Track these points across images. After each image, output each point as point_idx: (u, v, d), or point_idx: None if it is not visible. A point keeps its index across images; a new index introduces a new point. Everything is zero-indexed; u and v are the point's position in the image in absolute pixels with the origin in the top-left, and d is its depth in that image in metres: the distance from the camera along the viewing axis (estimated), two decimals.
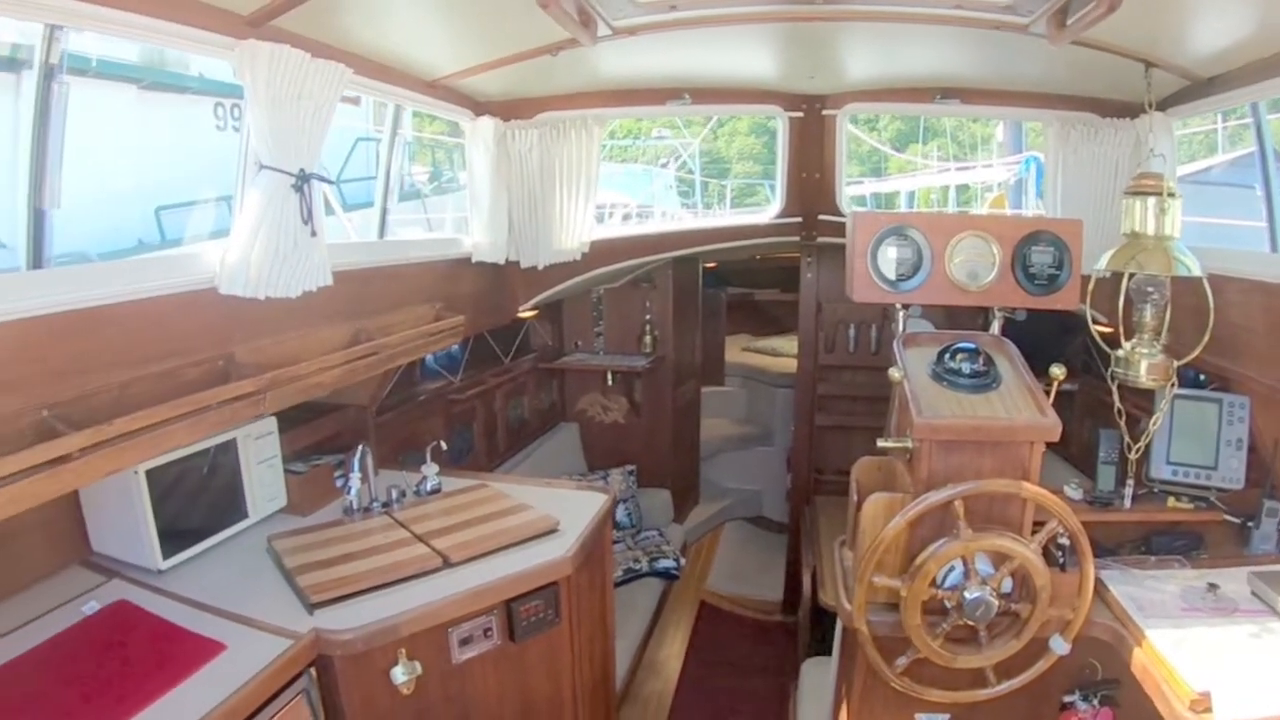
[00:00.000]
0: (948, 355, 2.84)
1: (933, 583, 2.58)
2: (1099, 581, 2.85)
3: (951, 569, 2.62)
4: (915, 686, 2.76)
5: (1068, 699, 2.94)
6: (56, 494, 2.22)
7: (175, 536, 2.86)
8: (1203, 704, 2.27)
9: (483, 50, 3.63)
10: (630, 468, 6.11)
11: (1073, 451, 4.44)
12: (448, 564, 2.87)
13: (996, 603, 2.56)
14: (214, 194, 8.18)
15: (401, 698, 2.68)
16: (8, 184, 6.49)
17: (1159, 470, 3.22)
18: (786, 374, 7.03)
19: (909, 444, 2.69)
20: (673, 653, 5.49)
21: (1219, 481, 3.14)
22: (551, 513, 3.18)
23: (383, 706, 2.67)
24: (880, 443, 2.82)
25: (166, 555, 2.83)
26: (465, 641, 2.79)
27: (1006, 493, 2.54)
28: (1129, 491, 3.18)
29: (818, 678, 4.05)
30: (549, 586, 2.93)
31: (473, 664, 2.84)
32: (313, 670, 2.54)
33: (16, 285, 2.31)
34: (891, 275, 3.08)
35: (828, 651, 3.53)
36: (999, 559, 2.57)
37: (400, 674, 2.63)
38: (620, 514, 5.82)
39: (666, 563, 5.49)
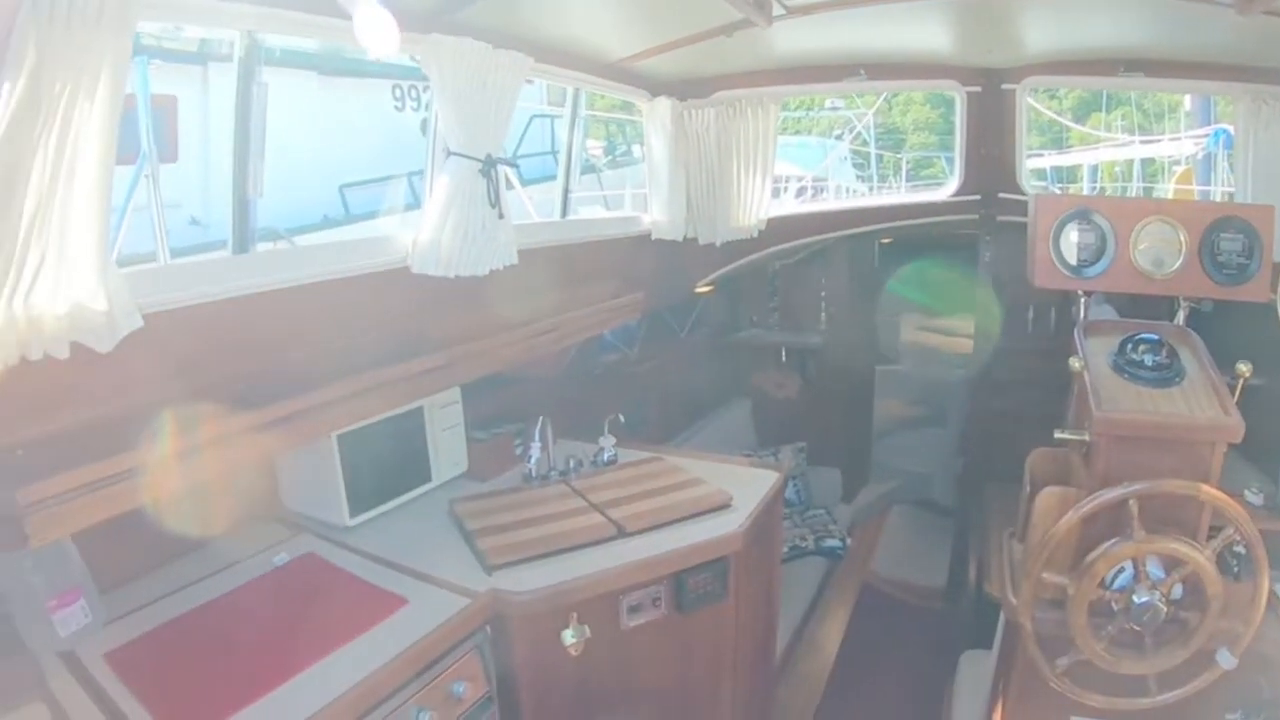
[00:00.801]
0: (1129, 346, 2.75)
1: (1101, 583, 2.52)
2: (1273, 595, 2.71)
3: (1121, 570, 2.55)
4: (1074, 689, 2.69)
5: (1230, 717, 2.78)
6: (258, 458, 2.40)
7: (362, 496, 3.05)
8: None
9: (659, 33, 3.69)
10: (801, 445, 6.10)
11: (1256, 452, 4.25)
12: (622, 533, 2.97)
13: (1165, 609, 2.48)
14: (394, 171, 8.51)
15: (569, 659, 2.79)
16: (199, 167, 6.94)
17: None
18: (962, 355, 6.89)
19: (1086, 437, 2.63)
20: (832, 632, 5.44)
21: None
22: (724, 488, 3.22)
23: (551, 666, 2.79)
24: (1057, 434, 2.77)
25: (354, 513, 3.02)
26: (634, 609, 2.88)
27: (1183, 494, 2.44)
28: None
29: (975, 671, 3.99)
30: (718, 561, 2.98)
31: (639, 631, 2.93)
32: (488, 627, 2.68)
33: (226, 268, 2.48)
34: (1073, 260, 3.02)
35: (987, 644, 3.48)
36: (1171, 563, 2.49)
37: (570, 636, 2.74)
38: (789, 491, 5.82)
39: (833, 542, 5.49)
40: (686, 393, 5.61)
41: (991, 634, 3.39)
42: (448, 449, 3.38)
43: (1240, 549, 2.64)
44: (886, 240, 7.12)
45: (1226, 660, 2.55)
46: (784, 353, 6.20)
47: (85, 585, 2.36)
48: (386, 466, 3.15)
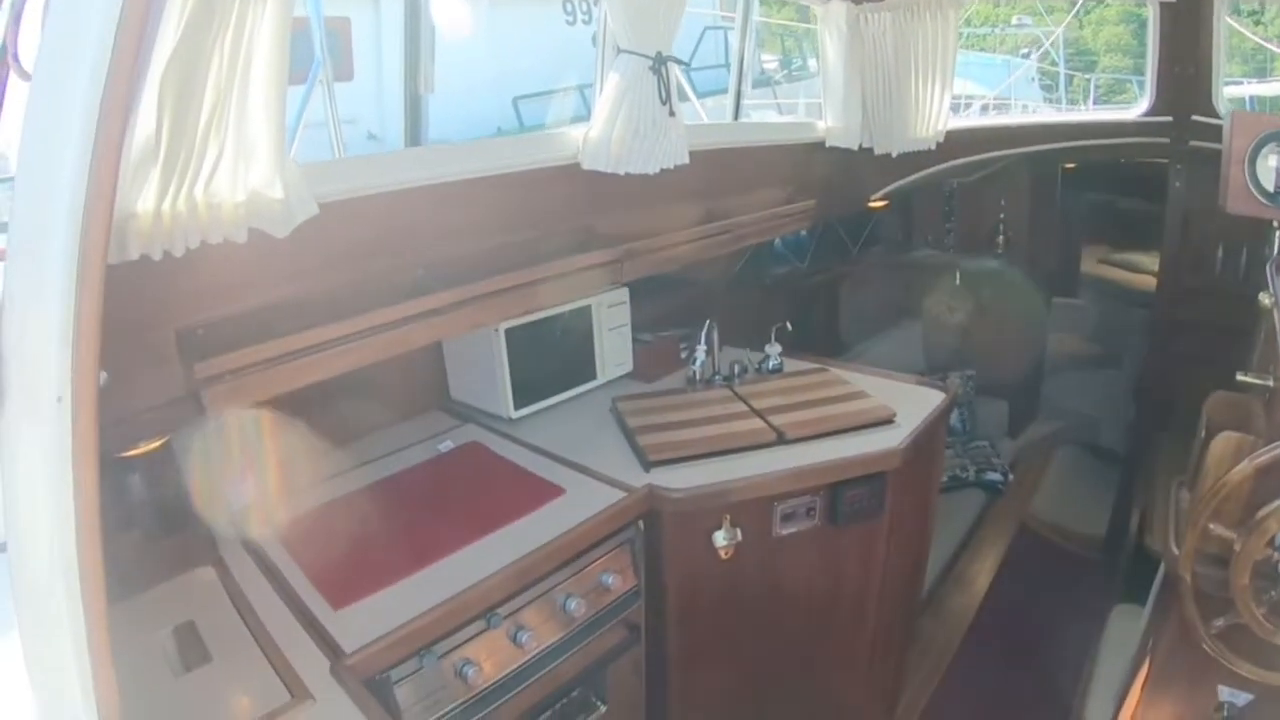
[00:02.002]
0: None
1: (1271, 543, 2.37)
2: None
3: None
4: (1227, 653, 2.57)
5: None
6: (428, 341, 2.46)
7: (527, 390, 3.11)
8: None
9: None
10: (969, 373, 5.93)
11: None
12: (781, 440, 2.93)
13: None
14: (566, 84, 8.57)
15: (718, 560, 2.80)
16: (373, 84, 7.09)
17: None
18: (1145, 292, 6.51)
19: (1271, 382, 2.48)
20: (983, 570, 5.34)
21: None
22: (888, 404, 3.16)
23: (700, 565, 2.81)
24: (1239, 376, 2.61)
25: (518, 405, 3.08)
26: (787, 517, 2.86)
27: None
28: None
29: (1126, 626, 3.87)
30: (876, 476, 2.93)
31: (790, 540, 2.91)
32: (641, 522, 2.71)
33: (398, 162, 2.52)
34: (1270, 187, 2.82)
35: (1142, 600, 3.36)
36: None
37: (721, 538, 2.74)
38: (954, 419, 5.69)
39: (994, 475, 5.35)
40: (856, 310, 5.50)
41: (1148, 590, 3.28)
42: (613, 349, 3.40)
43: None
44: (1070, 166, 6.82)
45: None
46: (958, 275, 6.00)
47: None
48: (552, 362, 3.19)
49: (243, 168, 1.95)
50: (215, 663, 1.95)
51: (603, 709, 2.82)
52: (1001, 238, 5.94)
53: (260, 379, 2.12)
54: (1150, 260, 6.26)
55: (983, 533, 5.56)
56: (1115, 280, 7.37)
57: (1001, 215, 5.97)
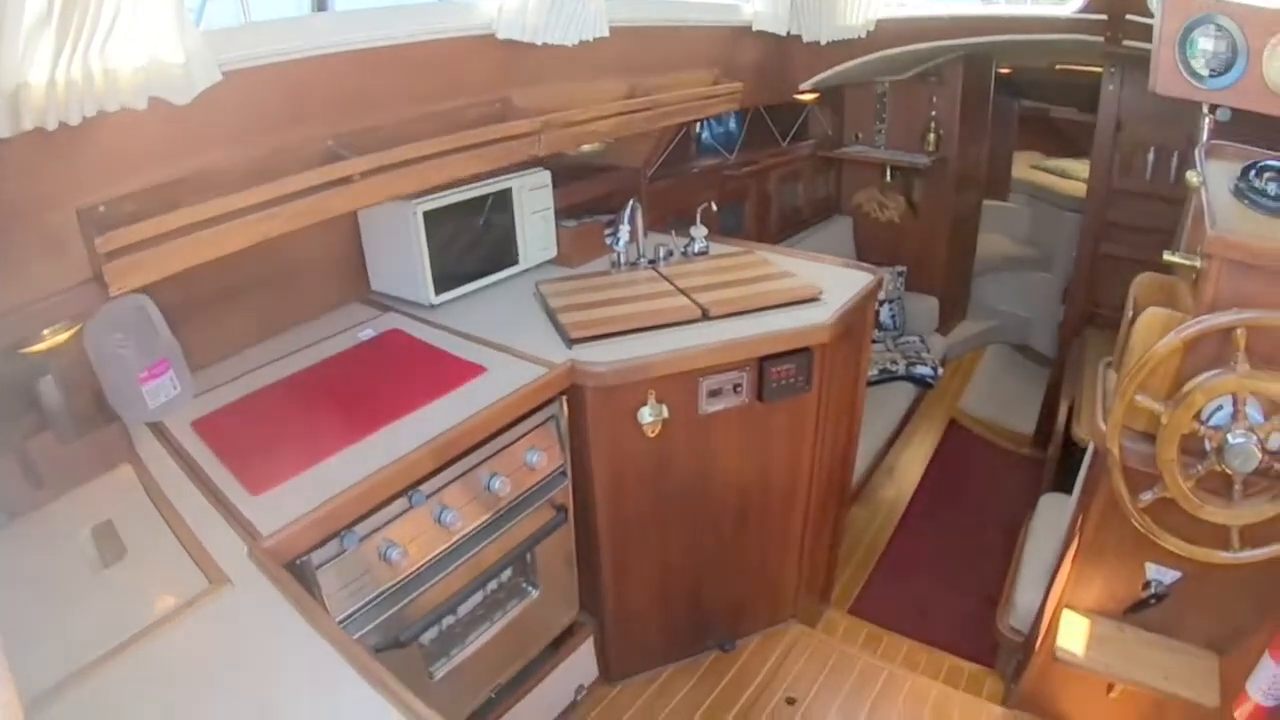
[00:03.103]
0: (1253, 172, 2.49)
1: (1197, 416, 2.38)
2: None
3: (1219, 408, 2.40)
4: (1155, 528, 2.59)
5: None
6: (341, 210, 2.36)
7: (447, 276, 3.03)
8: None
9: None
10: (900, 269, 5.93)
11: None
12: (706, 316, 2.88)
13: (1260, 455, 2.32)
14: None
15: (645, 439, 2.77)
16: None
17: None
18: (1076, 197, 6.53)
19: (1197, 262, 2.45)
20: (913, 463, 5.46)
21: None
22: (815, 283, 3.11)
23: (626, 445, 2.78)
24: (1166, 255, 2.60)
25: (439, 291, 3.01)
26: (714, 394, 2.82)
27: None
28: None
29: (1053, 513, 3.91)
30: (804, 351, 2.89)
31: (718, 418, 2.89)
32: (564, 399, 2.66)
33: (305, 27, 2.41)
34: (1201, 70, 2.80)
35: (1070, 489, 3.41)
36: (1273, 408, 2.33)
37: (647, 414, 2.70)
38: (884, 314, 5.70)
39: (924, 369, 5.37)
40: (785, 203, 5.43)
41: (1075, 479, 3.31)
42: (536, 233, 3.32)
43: None
44: (1005, 71, 6.79)
45: None
46: (890, 172, 5.95)
47: (174, 358, 2.39)
48: (473, 247, 3.10)
49: (140, 31, 1.83)
50: (133, 558, 1.88)
51: (534, 593, 2.83)
52: (933, 135, 5.87)
53: (166, 252, 2.01)
54: (1082, 168, 6.26)
55: (913, 426, 5.63)
56: (1047, 186, 7.41)
57: (934, 113, 5.90)
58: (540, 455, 2.59)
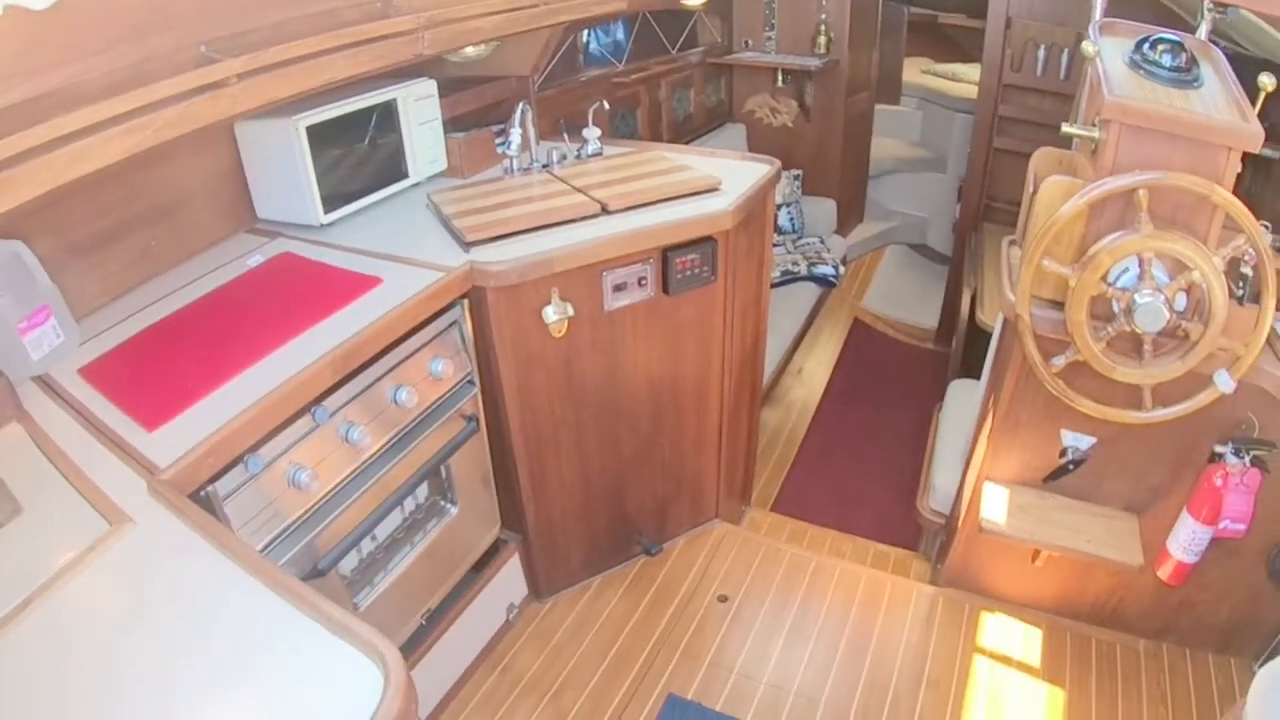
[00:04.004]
0: (1147, 45, 2.51)
1: (1104, 278, 2.42)
2: (1275, 333, 2.64)
3: (1125, 270, 2.44)
4: (1069, 392, 2.65)
5: (1219, 449, 2.76)
6: (214, 118, 2.21)
7: (336, 194, 2.89)
8: None
9: None
10: (796, 172, 5.91)
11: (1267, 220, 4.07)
12: (605, 211, 2.81)
13: (1168, 314, 2.39)
14: None
15: (552, 340, 2.71)
16: None
17: None
18: (967, 99, 6.57)
19: (1095, 134, 2.47)
20: (821, 363, 5.50)
21: None
22: (714, 174, 3.05)
23: (533, 347, 2.72)
24: (1064, 128, 2.60)
25: (328, 210, 2.87)
26: (619, 288, 2.77)
27: (1196, 194, 2.28)
28: None
29: (963, 397, 3.97)
30: (707, 241, 2.85)
31: (625, 314, 2.84)
32: (465, 303, 2.58)
33: None
34: None
35: (977, 378, 3.44)
36: (1177, 267, 2.38)
37: (552, 314, 2.64)
38: (783, 218, 5.69)
39: (825, 269, 5.38)
40: (677, 111, 5.35)
41: (982, 367, 3.34)
42: (424, 145, 3.19)
43: (1246, 270, 2.55)
44: None
45: (1225, 382, 2.48)
46: (781, 76, 5.89)
47: (54, 304, 2.26)
48: (360, 163, 2.97)
49: None
50: (29, 514, 1.76)
51: (453, 511, 2.78)
52: (823, 38, 5.81)
53: (28, 173, 1.88)
54: (971, 72, 6.31)
55: (818, 326, 5.67)
56: (938, 89, 7.45)
57: (823, 16, 5.84)
58: (445, 364, 2.52)
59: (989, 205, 5.41)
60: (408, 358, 2.42)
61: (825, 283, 5.39)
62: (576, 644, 3.23)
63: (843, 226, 6.44)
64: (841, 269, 5.58)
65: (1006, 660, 3.25)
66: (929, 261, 7.07)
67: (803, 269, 5.30)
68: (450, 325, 2.57)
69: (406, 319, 2.36)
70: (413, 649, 2.75)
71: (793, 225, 5.76)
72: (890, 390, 5.25)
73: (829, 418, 4.93)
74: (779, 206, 5.60)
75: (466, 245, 2.64)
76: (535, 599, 3.38)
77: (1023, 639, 3.34)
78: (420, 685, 2.76)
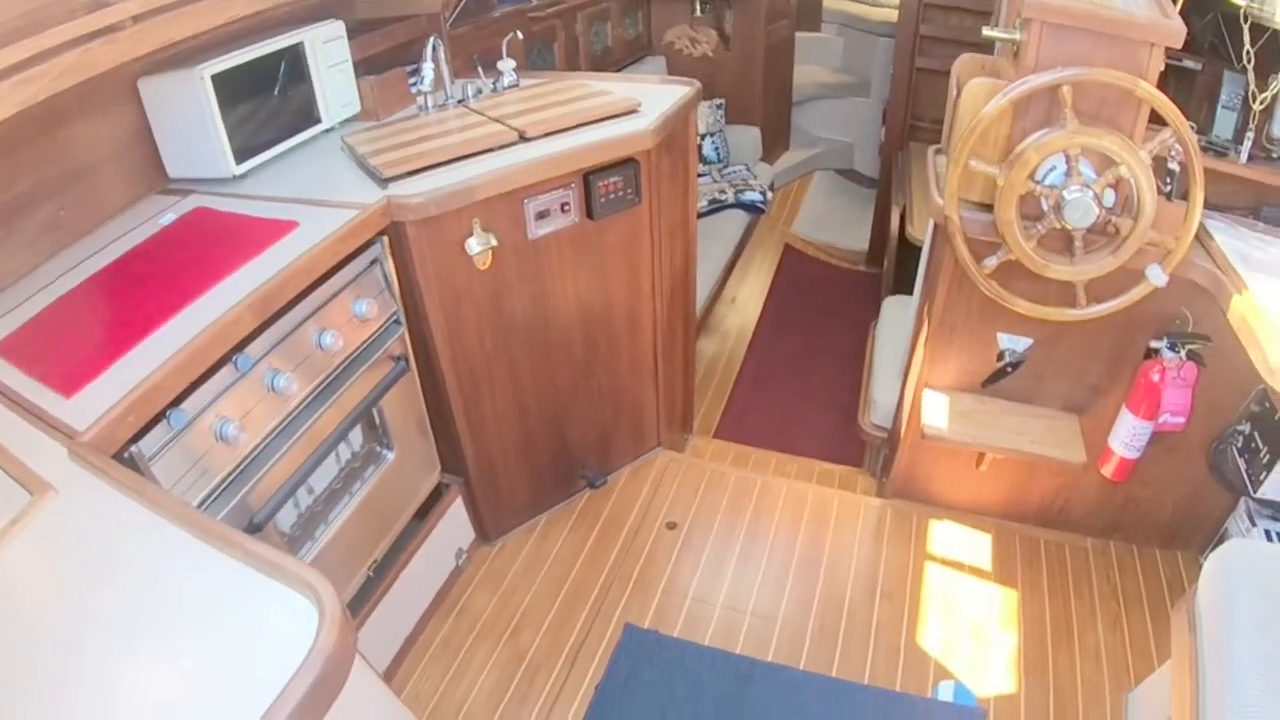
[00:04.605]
0: None
1: (1032, 175, 2.43)
2: (1203, 229, 2.67)
3: (1053, 168, 2.46)
4: (1003, 293, 2.68)
5: (1154, 344, 2.81)
6: (111, 63, 2.13)
7: (247, 143, 2.78)
8: None
9: None
10: (719, 101, 5.83)
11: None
12: (523, 138, 2.74)
13: (1097, 209, 2.41)
14: None
15: (476, 272, 2.66)
16: None
17: None
18: (888, 23, 6.53)
19: (1017, 35, 2.47)
20: (755, 290, 5.52)
21: None
22: (633, 97, 3.00)
23: (458, 280, 2.66)
24: (985, 31, 2.60)
25: (239, 161, 2.76)
26: (542, 215, 2.71)
27: (1121, 89, 2.29)
28: (1246, 148, 2.82)
29: (898, 313, 4.00)
30: (628, 163, 2.81)
31: (549, 240, 2.79)
32: (385, 240, 2.51)
33: None
34: None
35: (911, 293, 3.45)
36: (1104, 163, 2.39)
37: (475, 245, 2.58)
38: (707, 148, 5.63)
39: (753, 195, 5.32)
40: (594, 45, 5.22)
41: (914, 283, 3.35)
42: (335, 88, 3.09)
43: (1173, 167, 2.57)
44: None
45: (1157, 276, 2.52)
46: (699, 6, 5.80)
47: None
48: (270, 111, 2.86)
49: None
50: None
51: (390, 456, 2.73)
52: None
53: None
54: None
55: (749, 254, 5.67)
56: (859, 14, 7.40)
57: None
58: (369, 304, 2.45)
59: (914, 125, 5.44)
60: (330, 300, 2.35)
61: (753, 209, 5.34)
62: (529, 583, 3.21)
63: (769, 154, 6.40)
64: (769, 195, 5.53)
65: (958, 566, 3.30)
66: (857, 186, 7.09)
67: (730, 197, 5.25)
68: (371, 264, 2.50)
69: (324, 258, 2.29)
70: (363, 601, 2.71)
71: (718, 154, 5.71)
72: (825, 313, 5.26)
73: (766, 343, 4.93)
74: (703, 136, 5.56)
75: (383, 181, 2.56)
76: (484, 542, 3.36)
77: (972, 544, 3.38)
78: (375, 637, 2.74)
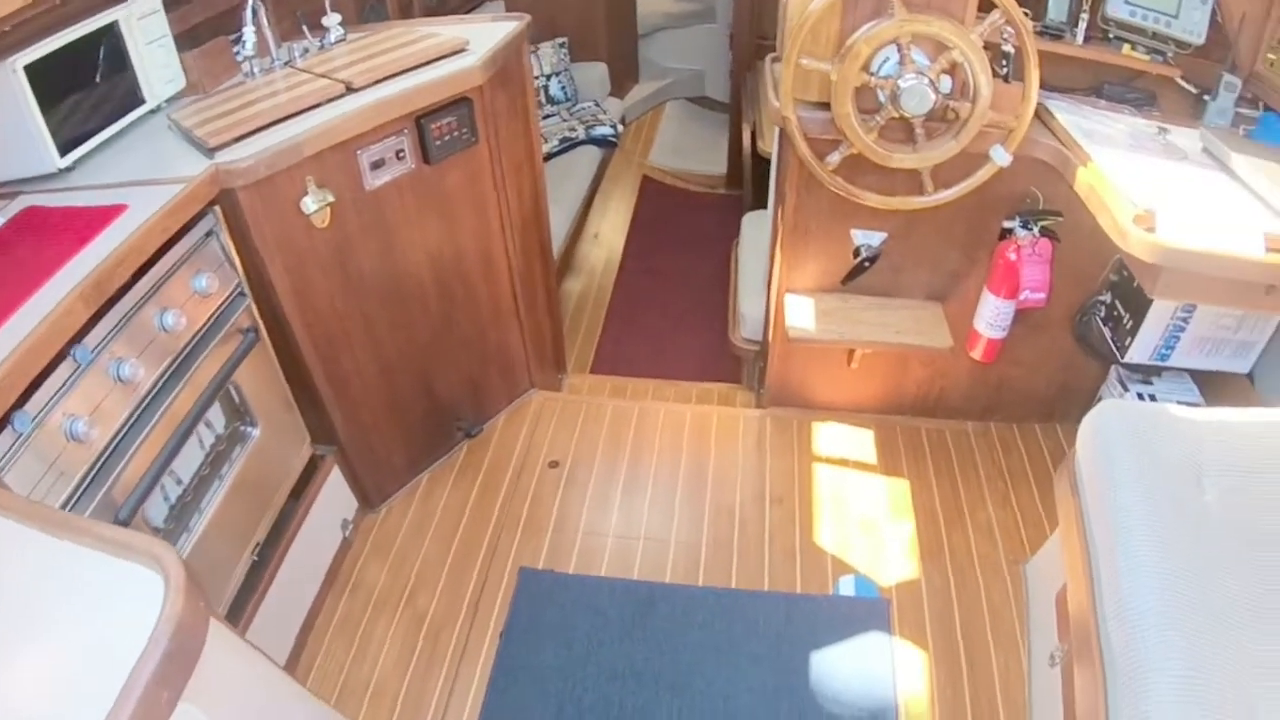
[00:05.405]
0: None
1: (866, 68, 2.47)
2: (1045, 109, 2.76)
3: (886, 59, 2.50)
4: (850, 188, 2.72)
5: (1007, 224, 2.90)
6: None
7: (70, 135, 2.62)
8: (1146, 221, 2.20)
9: None
10: (562, 40, 5.73)
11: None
12: (350, 90, 2.66)
13: (934, 95, 2.46)
14: None
15: (317, 231, 2.58)
16: None
17: (1116, 9, 2.87)
18: None
19: None
20: (617, 224, 5.51)
21: (1179, 32, 2.77)
22: (461, 35, 2.95)
23: (299, 242, 2.58)
24: None
25: (64, 153, 2.62)
26: (377, 165, 2.65)
27: None
28: (1081, 29, 2.90)
29: (757, 227, 4.04)
30: (461, 102, 2.76)
31: (388, 190, 2.73)
32: (218, 209, 2.42)
33: None
34: None
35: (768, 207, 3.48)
36: (937, 49, 2.44)
37: (311, 203, 2.50)
38: (554, 88, 5.54)
39: (604, 130, 5.27)
40: None
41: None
42: (157, 66, 2.93)
43: (1007, 49, 2.61)
44: None
45: (1000, 156, 2.59)
46: None
47: None
48: (90, 96, 2.69)
49: None
50: None
51: (255, 433, 2.65)
52: None
53: None
54: None
55: (607, 189, 5.65)
56: None
57: None
58: (209, 278, 2.36)
59: (760, 44, 5.41)
60: (167, 279, 2.26)
61: (606, 143, 5.29)
62: (419, 545, 3.18)
63: (618, 89, 6.33)
64: (620, 127, 5.49)
65: (843, 463, 3.38)
66: (710, 111, 7.07)
67: (581, 134, 5.19)
68: (206, 236, 2.40)
69: (153, 236, 2.19)
70: (252, 587, 2.63)
71: (565, 94, 5.64)
72: (689, 239, 5.27)
73: (633, 276, 4.92)
74: (549, 76, 5.48)
75: (210, 151, 2.45)
76: (368, 510, 3.30)
77: (855, 441, 3.46)
78: (270, 622, 2.68)
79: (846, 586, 2.96)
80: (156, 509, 2.26)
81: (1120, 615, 1.79)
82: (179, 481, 2.36)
